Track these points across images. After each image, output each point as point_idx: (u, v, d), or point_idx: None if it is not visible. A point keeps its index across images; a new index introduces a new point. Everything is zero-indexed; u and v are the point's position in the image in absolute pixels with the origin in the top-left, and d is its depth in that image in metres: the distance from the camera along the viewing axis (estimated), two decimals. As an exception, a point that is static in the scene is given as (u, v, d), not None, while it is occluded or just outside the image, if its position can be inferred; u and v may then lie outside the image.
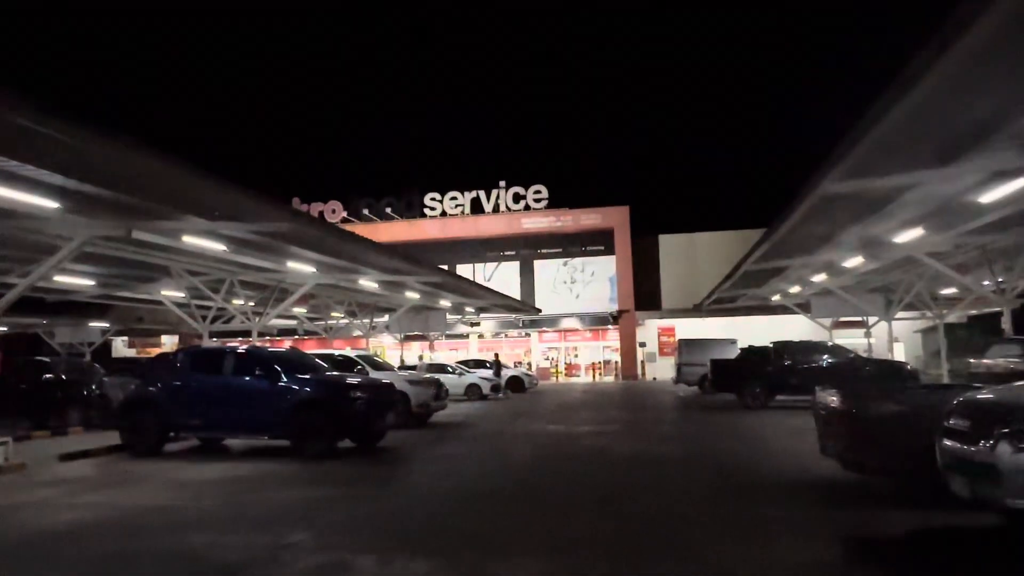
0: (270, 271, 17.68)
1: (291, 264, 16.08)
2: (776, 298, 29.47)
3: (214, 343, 17.42)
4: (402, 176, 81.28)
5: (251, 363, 11.19)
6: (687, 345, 26.35)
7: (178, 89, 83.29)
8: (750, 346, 22.18)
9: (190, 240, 12.28)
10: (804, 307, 30.21)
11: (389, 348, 42.79)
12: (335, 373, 12.32)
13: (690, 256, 45.80)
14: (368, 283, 20.12)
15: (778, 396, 18.27)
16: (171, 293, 20.79)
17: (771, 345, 19.41)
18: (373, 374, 15.31)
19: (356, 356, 15.86)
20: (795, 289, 25.56)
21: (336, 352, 16.26)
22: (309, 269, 16.81)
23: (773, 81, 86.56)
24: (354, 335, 44.94)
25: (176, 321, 25.81)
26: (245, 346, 11.96)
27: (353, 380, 11.41)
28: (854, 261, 17.83)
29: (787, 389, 18.09)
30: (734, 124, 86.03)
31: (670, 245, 46.05)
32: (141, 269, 17.28)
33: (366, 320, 27.91)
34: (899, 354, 31.74)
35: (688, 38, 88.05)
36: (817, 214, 13.04)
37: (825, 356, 17.98)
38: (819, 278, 21.80)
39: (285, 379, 10.90)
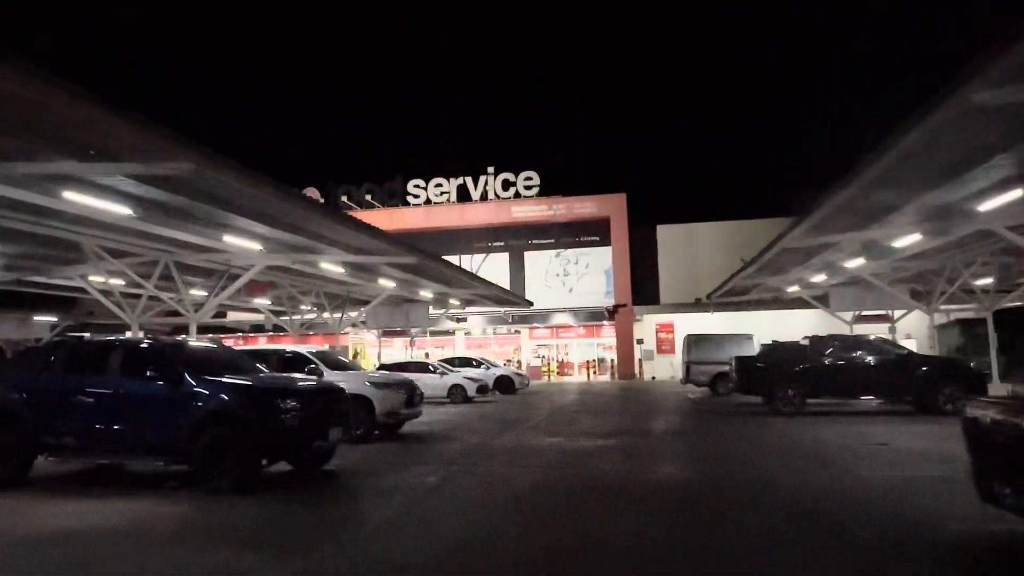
0: (208, 250, 14.64)
1: (229, 239, 13.05)
2: (793, 289, 26.70)
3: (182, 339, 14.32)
4: (384, 161, 77.60)
5: (145, 360, 8.17)
6: (697, 342, 23.53)
7: (149, 63, 79.67)
8: (775, 341, 19.38)
9: (74, 198, 9.24)
10: (822, 300, 27.55)
11: (371, 345, 39.88)
12: (272, 375, 9.30)
13: (690, 248, 43.09)
14: (331, 266, 17.10)
15: (814, 399, 15.46)
16: (101, 278, 17.67)
17: (805, 340, 16.60)
18: (329, 375, 12.32)
19: (310, 353, 12.85)
20: (818, 278, 22.79)
21: (285, 348, 13.21)
22: (254, 246, 13.78)
23: (776, 64, 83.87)
24: (336, 331, 42.14)
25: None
26: (147, 338, 8.91)
27: (287, 385, 8.41)
28: (908, 239, 15.04)
29: (826, 391, 15.29)
30: (736, 110, 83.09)
31: (669, 236, 43.29)
32: (48, 247, 14.20)
33: (337, 314, 24.89)
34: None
35: (687, 19, 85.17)
36: (893, 174, 10.26)
37: (872, 352, 15.15)
38: (854, 263, 19.01)
39: (191, 382, 7.89)
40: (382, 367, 22.85)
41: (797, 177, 70.24)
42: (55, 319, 33.10)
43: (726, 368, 22.55)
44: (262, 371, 9.33)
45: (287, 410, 7.77)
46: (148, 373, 7.95)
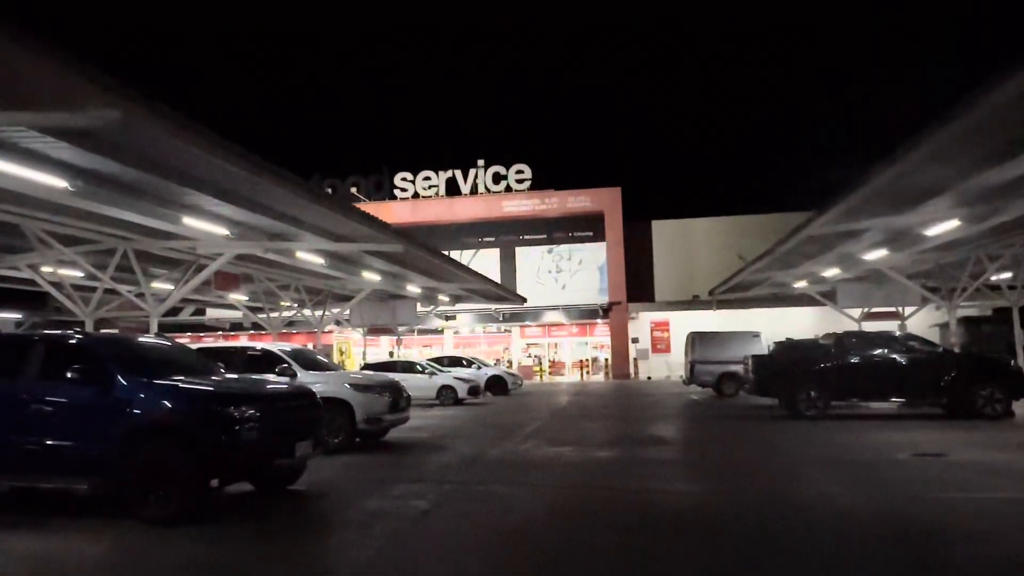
0: (169, 236, 13.10)
1: (190, 222, 11.50)
2: (800, 285, 25.44)
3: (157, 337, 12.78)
4: (370, 154, 75.63)
5: (67, 358, 6.65)
6: (701, 340, 22.21)
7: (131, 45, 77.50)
8: (789, 339, 18.11)
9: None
10: (828, 296, 26.37)
11: (358, 344, 38.28)
12: (232, 378, 7.78)
13: (686, 244, 41.94)
14: (310, 256, 15.57)
15: (839, 402, 14.17)
16: (63, 271, 16.04)
17: (823, 337, 15.32)
18: (303, 377, 10.83)
19: (282, 351, 11.34)
20: (830, 272, 21.51)
21: (255, 345, 11.68)
22: (219, 230, 12.23)
23: (774, 56, 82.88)
24: (318, 329, 40.50)
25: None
26: (74, 333, 7.37)
27: (245, 389, 6.92)
28: (943, 226, 13.75)
29: (853, 392, 13.99)
30: (732, 103, 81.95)
31: (664, 232, 42.12)
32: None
33: (318, 311, 23.35)
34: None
35: (681, 9, 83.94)
36: (945, 153, 8.97)
37: (902, 350, 13.85)
38: (874, 255, 17.73)
39: (124, 385, 6.40)
40: (366, 367, 21.38)
41: (795, 173, 69.40)
42: (20, 316, 31.33)
43: (733, 368, 21.36)
44: (221, 372, 7.83)
45: (243, 420, 6.28)
46: (71, 375, 6.42)
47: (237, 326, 41.27)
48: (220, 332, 43.30)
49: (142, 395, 6.42)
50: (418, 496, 7.22)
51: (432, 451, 10.87)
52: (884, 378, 13.51)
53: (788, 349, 16.40)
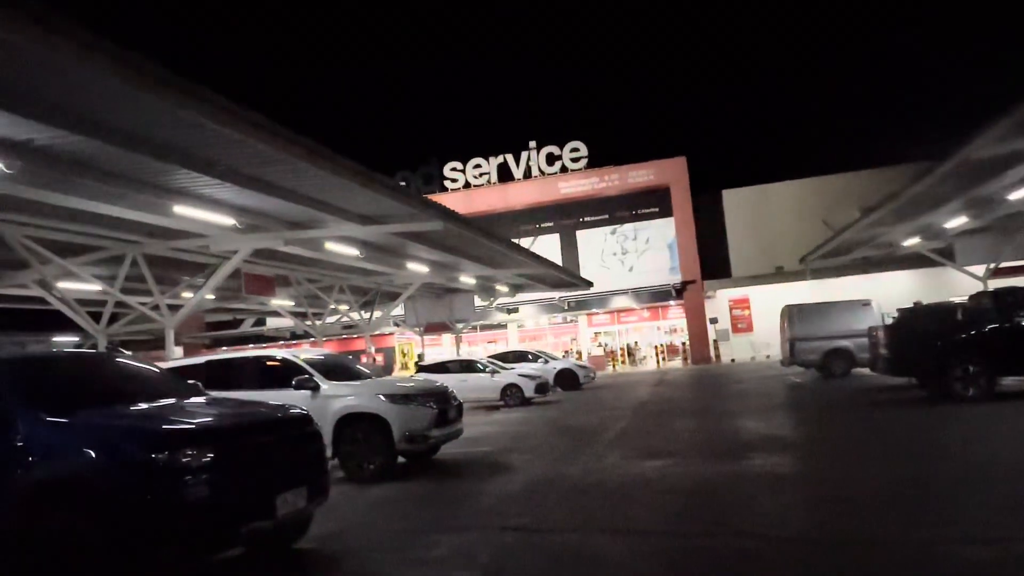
0: (176, 235, 11.25)
1: (183, 210, 9.51)
2: (911, 242, 21.95)
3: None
4: (418, 147, 73.47)
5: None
6: (800, 313, 19.20)
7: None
8: (918, 303, 15.05)
9: None
10: (943, 255, 22.80)
11: (421, 345, 36.57)
12: (192, 403, 5.49)
13: (762, 212, 38.23)
14: (340, 247, 13.53)
15: (1007, 379, 11.18)
16: (69, 285, 14.56)
17: (967, 298, 12.31)
18: (328, 388, 8.73)
19: (303, 359, 9.24)
20: (954, 222, 18.09)
21: (269, 355, 9.61)
22: (222, 219, 10.25)
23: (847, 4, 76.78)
24: (379, 331, 38.99)
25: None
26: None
27: (194, 421, 4.75)
28: None
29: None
30: (801, 55, 75.82)
31: (737, 201, 38.53)
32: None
33: (367, 313, 21.45)
34: None
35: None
36: None
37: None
38: (1019, 194, 14.41)
39: (26, 425, 4.34)
40: (421, 368, 19.31)
41: (876, 126, 64.02)
42: (77, 339, 30.81)
43: (841, 343, 18.39)
44: (194, 396, 5.69)
45: (183, 469, 4.11)
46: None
47: (300, 335, 40.27)
48: (281, 341, 42.42)
49: (49, 439, 4.34)
50: (467, 558, 4.92)
51: (492, 473, 8.57)
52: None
53: (921, 316, 13.34)
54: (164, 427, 4.42)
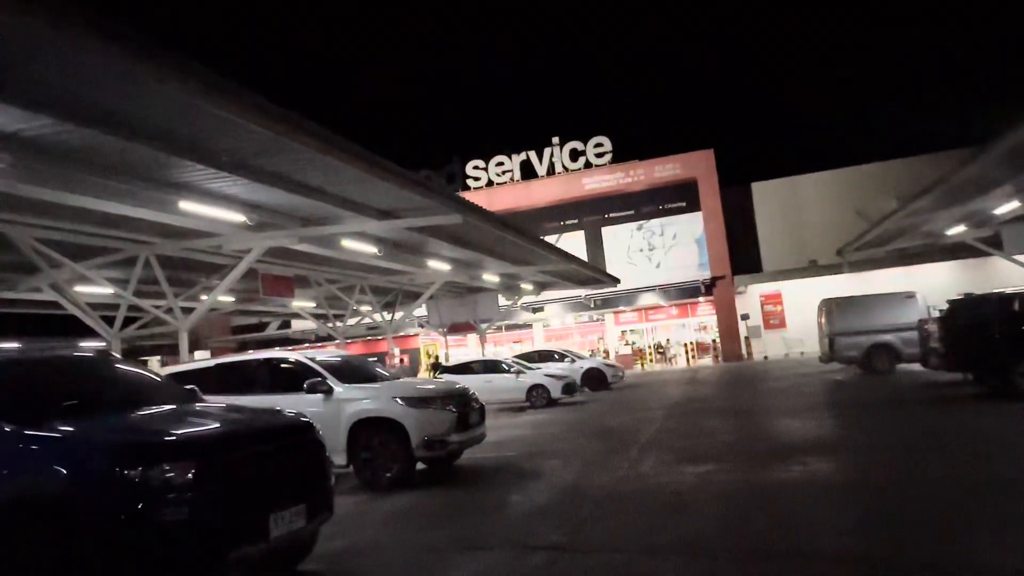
0: (187, 234, 10.83)
1: (189, 206, 9.03)
2: (957, 231, 20.86)
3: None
4: (440, 144, 72.83)
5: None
6: (840, 307, 18.30)
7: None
8: (969, 293, 14.09)
9: None
10: (990, 243, 21.65)
11: (448, 346, 36.13)
12: (180, 411, 4.85)
13: (793, 205, 37.06)
14: (357, 244, 13.02)
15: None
16: (90, 289, 14.29)
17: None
18: (342, 391, 8.20)
19: (317, 361, 8.71)
20: (1005, 208, 17.01)
21: (279, 357, 9.07)
22: (232, 216, 9.77)
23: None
24: (408, 332, 38.61)
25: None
26: None
27: (176, 430, 4.19)
28: None
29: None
30: (828, 41, 73.75)
31: (767, 193, 37.40)
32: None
33: (388, 314, 20.97)
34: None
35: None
36: None
37: None
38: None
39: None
40: (444, 370, 18.77)
41: (907, 114, 62.17)
42: (104, 344, 30.90)
43: (884, 338, 17.47)
44: (190, 403, 5.17)
45: (159, 488, 3.57)
46: None
47: (324, 337, 40.10)
48: (306, 344, 42.30)
49: (8, 452, 3.83)
50: (489, 585, 4.32)
51: (517, 481, 7.96)
52: None
53: (975, 307, 12.40)
54: (140, 439, 3.88)
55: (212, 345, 42.59)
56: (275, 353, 9.39)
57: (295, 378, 8.45)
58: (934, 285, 23.71)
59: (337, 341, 23.06)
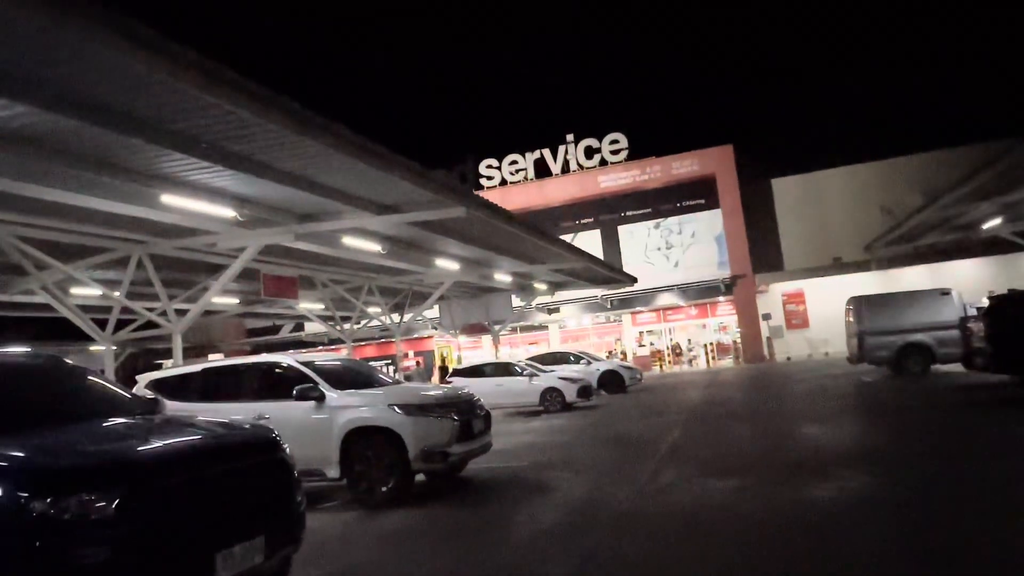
0: (180, 232, 10.25)
1: (171, 200, 8.43)
2: (993, 224, 19.85)
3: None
4: (453, 144, 71.90)
5: None
6: (869, 305, 17.38)
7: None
8: (1013, 290, 13.19)
9: None
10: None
11: (463, 348, 35.55)
12: (126, 425, 4.18)
13: (814, 201, 36.01)
14: (359, 241, 12.39)
15: None
16: (86, 291, 13.82)
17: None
18: (334, 398, 7.54)
19: (304, 365, 8.02)
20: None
21: (271, 361, 8.42)
22: (218, 211, 9.14)
23: None
24: (422, 334, 38.05)
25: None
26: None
27: (124, 444, 3.57)
28: None
29: None
30: (850, 32, 71.96)
31: (788, 190, 36.39)
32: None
33: (397, 316, 20.37)
34: None
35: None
36: None
37: None
38: None
39: None
40: (454, 372, 18.12)
41: (932, 105, 60.55)
42: (114, 348, 30.52)
43: (917, 338, 16.55)
44: (147, 414, 4.52)
45: (80, 523, 2.92)
46: None
47: (338, 339, 39.69)
48: (320, 347, 41.91)
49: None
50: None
51: (527, 496, 7.25)
52: None
53: (1013, 302, 11.48)
54: (52, 463, 3.23)
55: (226, 348, 42.37)
56: (265, 357, 8.76)
57: (286, 384, 7.79)
58: (961, 282, 22.71)
59: (344, 344, 22.50)
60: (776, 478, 6.82)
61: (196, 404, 8.22)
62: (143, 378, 8.82)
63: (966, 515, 5.08)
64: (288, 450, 4.15)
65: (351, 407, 7.55)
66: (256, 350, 42.39)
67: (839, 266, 32.25)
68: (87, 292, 13.48)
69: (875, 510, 5.42)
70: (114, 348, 19.97)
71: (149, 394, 5.62)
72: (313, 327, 40.24)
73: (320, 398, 7.56)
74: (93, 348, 30.14)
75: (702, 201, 35.52)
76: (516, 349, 36.18)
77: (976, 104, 55.20)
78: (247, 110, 6.04)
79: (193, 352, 36.60)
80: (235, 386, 8.18)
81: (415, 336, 39.02)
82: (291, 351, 39.75)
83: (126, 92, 5.90)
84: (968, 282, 23.14)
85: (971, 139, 30.93)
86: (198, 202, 8.65)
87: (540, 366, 18.74)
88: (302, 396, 7.51)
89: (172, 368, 9.02)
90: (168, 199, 8.33)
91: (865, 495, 5.92)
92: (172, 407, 8.34)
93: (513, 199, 37.37)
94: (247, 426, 4.33)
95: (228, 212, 9.17)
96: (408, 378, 25.20)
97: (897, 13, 68.29)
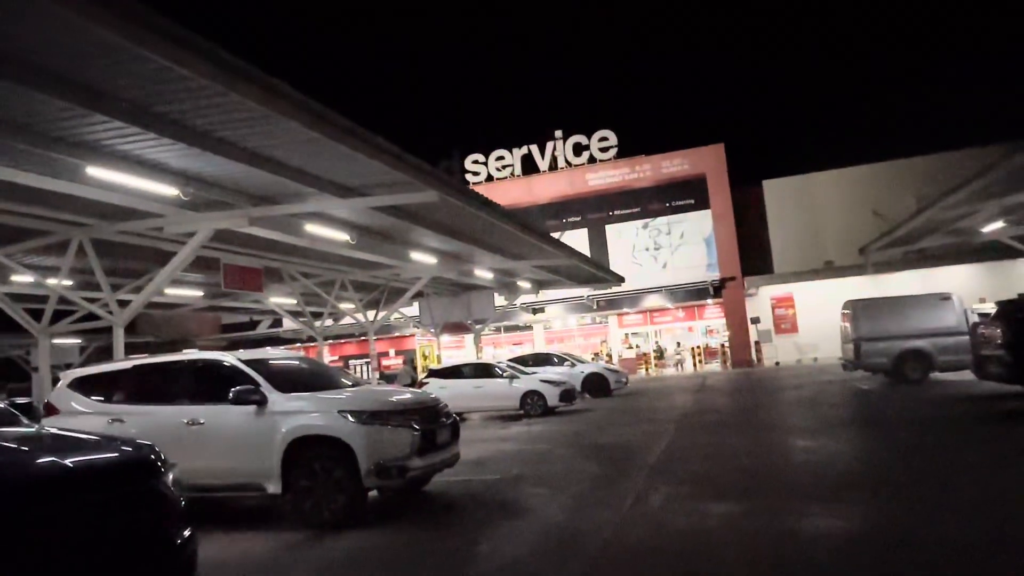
0: (122, 215, 9.20)
1: (96, 172, 7.38)
2: (993, 227, 19.14)
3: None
4: (437, 138, 70.76)
5: None
6: (866, 310, 16.63)
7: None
8: (1022, 295, 12.44)
9: None
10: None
11: (444, 347, 34.51)
12: None
13: (806, 203, 35.31)
14: (324, 230, 11.39)
15: None
16: (25, 278, 12.70)
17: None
18: (278, 403, 6.56)
19: (243, 362, 7.02)
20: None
21: (213, 359, 7.42)
22: (158, 188, 8.12)
23: None
24: (404, 332, 37.01)
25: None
26: None
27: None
28: None
29: None
30: (843, 35, 71.62)
31: (779, 192, 35.64)
32: None
33: (372, 312, 19.35)
34: None
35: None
36: None
37: None
38: None
39: None
40: (431, 373, 17.15)
41: (926, 109, 60.30)
42: (79, 341, 29.23)
43: (916, 344, 15.77)
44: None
45: None
46: None
47: (324, 338, 38.54)
48: (298, 344, 40.71)
49: None
50: None
51: (496, 518, 6.31)
52: None
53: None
54: None
55: (201, 343, 41.12)
56: (205, 354, 7.75)
57: (227, 385, 6.79)
58: (954, 288, 22.11)
59: (348, 340, 21.50)
60: (776, 504, 5.91)
61: (123, 407, 7.24)
62: (66, 375, 7.81)
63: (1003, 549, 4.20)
64: (173, 477, 3.18)
65: (298, 413, 6.57)
66: (232, 346, 41.14)
67: (831, 270, 31.63)
68: (22, 279, 12.38)
69: (900, 548, 4.53)
70: (62, 342, 18.69)
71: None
72: (292, 324, 39.17)
73: (261, 402, 6.58)
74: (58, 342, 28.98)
75: (692, 201, 34.76)
76: (500, 350, 35.25)
77: (971, 108, 54.96)
78: (165, 57, 5.03)
79: (167, 348, 35.38)
80: (169, 386, 7.18)
81: (396, 335, 38.00)
82: (268, 347, 38.70)
83: (29, 34, 4.89)
84: (958, 288, 22.50)
85: (966, 143, 30.46)
86: (132, 176, 7.61)
87: (522, 368, 17.81)
88: (239, 400, 6.52)
89: (101, 364, 7.96)
90: (94, 171, 7.30)
91: (881, 524, 5.04)
92: (96, 410, 7.42)
93: (499, 195, 36.07)
94: (125, 446, 3.34)
95: (170, 190, 8.15)
96: (391, 378, 24.18)
97: (891, 15, 68.09)
